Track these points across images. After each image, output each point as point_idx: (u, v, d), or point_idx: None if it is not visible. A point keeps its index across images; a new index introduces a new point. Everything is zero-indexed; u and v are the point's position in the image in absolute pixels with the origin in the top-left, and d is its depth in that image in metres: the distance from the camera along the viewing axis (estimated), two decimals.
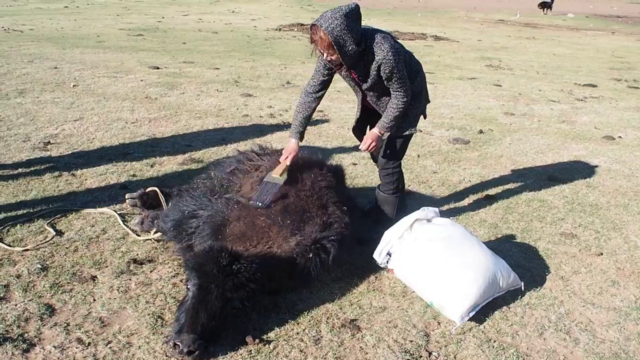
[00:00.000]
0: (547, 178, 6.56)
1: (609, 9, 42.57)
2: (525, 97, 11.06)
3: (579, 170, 6.92)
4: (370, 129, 4.77)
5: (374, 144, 4.46)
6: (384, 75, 4.19)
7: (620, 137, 8.51)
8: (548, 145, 7.90)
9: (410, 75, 4.38)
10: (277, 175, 4.28)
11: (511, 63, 15.26)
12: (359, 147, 4.59)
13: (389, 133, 4.53)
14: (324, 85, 4.51)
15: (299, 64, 13.45)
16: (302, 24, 22.59)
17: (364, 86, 4.42)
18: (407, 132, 4.65)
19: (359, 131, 4.98)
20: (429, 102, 4.85)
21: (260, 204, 4.07)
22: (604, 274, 4.59)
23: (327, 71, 4.42)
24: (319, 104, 4.58)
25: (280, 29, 20.85)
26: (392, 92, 4.34)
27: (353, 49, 3.99)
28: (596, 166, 7.13)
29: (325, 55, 4.11)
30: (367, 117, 4.84)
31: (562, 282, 4.39)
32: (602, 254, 4.91)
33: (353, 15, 3.96)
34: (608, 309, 4.10)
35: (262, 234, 3.78)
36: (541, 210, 5.69)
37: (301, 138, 4.58)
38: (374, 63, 4.14)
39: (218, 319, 3.22)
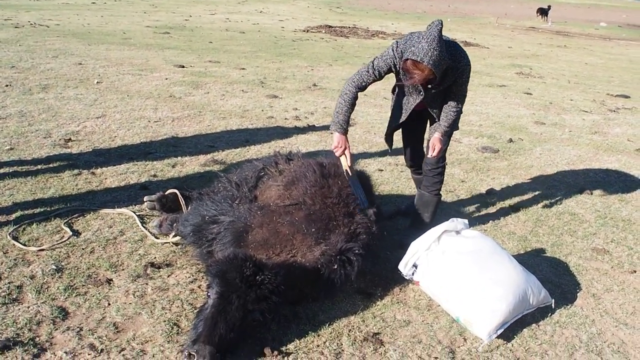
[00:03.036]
0: (579, 191, 6.35)
1: None
2: (556, 106, 10.81)
3: (612, 184, 6.69)
4: (407, 136, 5.01)
5: (440, 147, 4.55)
6: (459, 80, 4.29)
7: None
8: (579, 157, 7.68)
9: None
10: (345, 168, 4.34)
11: (542, 71, 14.98)
12: (429, 154, 4.60)
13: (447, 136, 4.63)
14: (375, 81, 4.44)
15: (326, 66, 13.31)
16: (330, 26, 22.49)
17: (433, 90, 4.36)
18: (454, 130, 4.74)
19: (390, 137, 4.91)
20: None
21: (365, 204, 4.19)
22: (637, 292, 4.40)
23: (387, 73, 4.37)
24: None
25: (307, 31, 20.73)
26: (452, 97, 4.43)
27: (446, 64, 4.01)
28: (629, 180, 6.89)
29: (420, 81, 4.07)
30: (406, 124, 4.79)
31: (594, 300, 4.21)
32: (635, 271, 4.71)
33: (441, 36, 3.90)
34: None
35: (286, 242, 3.64)
36: (572, 224, 5.49)
37: (346, 133, 4.40)
38: (454, 70, 4.18)
39: (237, 331, 3.08)
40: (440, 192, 4.91)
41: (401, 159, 6.72)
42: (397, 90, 4.70)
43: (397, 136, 4.95)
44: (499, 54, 18.04)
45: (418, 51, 3.83)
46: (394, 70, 4.30)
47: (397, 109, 4.71)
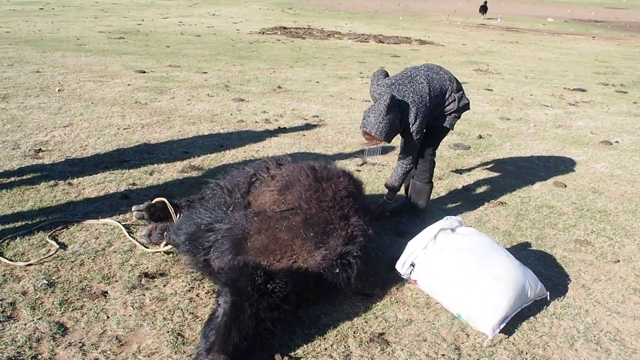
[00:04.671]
0: (553, 184, 6.48)
1: (586, 13, 42.95)
2: (517, 101, 11.02)
3: (583, 176, 6.86)
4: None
5: (379, 216, 5.12)
6: (406, 137, 4.79)
7: (617, 142, 8.48)
8: (548, 151, 7.84)
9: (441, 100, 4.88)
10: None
11: (498, 67, 15.24)
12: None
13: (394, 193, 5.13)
14: None
15: (287, 67, 13.27)
16: (285, 27, 22.47)
17: None
18: (446, 124, 5.03)
19: None
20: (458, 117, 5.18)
21: (373, 160, 5.16)
22: (623, 281, 4.51)
23: None
24: None
25: (263, 33, 20.65)
26: (399, 158, 4.95)
27: (398, 131, 4.63)
28: (599, 171, 7.07)
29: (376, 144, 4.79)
30: None
31: (584, 291, 4.31)
32: (618, 261, 4.83)
33: (391, 107, 4.42)
34: (634, 317, 4.02)
35: (286, 248, 3.61)
36: (552, 216, 5.60)
37: None
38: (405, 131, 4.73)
39: (249, 340, 3.05)
40: (432, 181, 5.21)
41: (377, 158, 6.80)
42: None
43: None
44: (454, 51, 18.28)
45: (367, 124, 4.46)
46: None
47: None
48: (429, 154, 5.07)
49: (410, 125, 4.62)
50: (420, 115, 4.61)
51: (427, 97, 4.65)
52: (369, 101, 10.28)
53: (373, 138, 4.52)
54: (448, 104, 4.87)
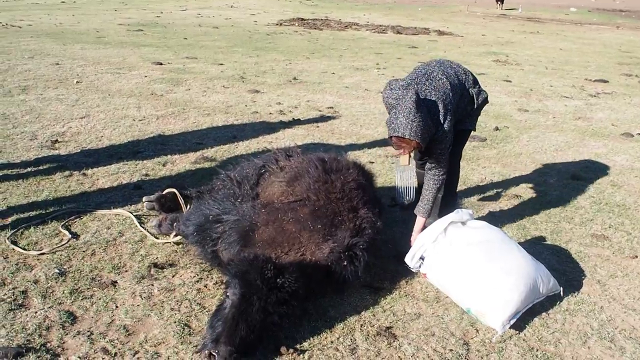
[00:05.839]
0: (570, 177, 6.38)
1: (611, 3, 42.31)
2: (536, 93, 10.88)
3: (602, 169, 6.74)
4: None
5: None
6: (435, 141, 4.14)
7: (639, 134, 8.33)
8: (567, 143, 7.72)
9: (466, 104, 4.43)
10: (405, 163, 4.30)
11: (518, 58, 15.09)
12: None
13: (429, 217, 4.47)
14: None
15: (303, 59, 13.24)
16: (302, 19, 22.47)
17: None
18: (469, 127, 4.65)
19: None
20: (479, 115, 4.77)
21: (408, 199, 4.86)
22: None
23: None
24: None
25: (281, 24, 20.65)
26: (429, 169, 4.33)
27: (431, 131, 3.97)
28: (618, 164, 6.94)
29: (413, 151, 4.16)
30: None
31: (600, 287, 4.23)
32: (636, 256, 4.73)
33: (418, 103, 3.85)
34: None
35: (293, 240, 3.59)
36: (568, 210, 5.52)
37: None
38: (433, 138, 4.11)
39: (256, 333, 3.04)
40: (456, 192, 5.25)
41: (391, 149, 6.74)
42: None
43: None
44: (473, 42, 18.13)
45: (397, 126, 3.82)
46: None
47: None
48: (455, 164, 4.84)
49: (442, 124, 4.07)
50: (450, 112, 4.11)
51: (451, 94, 4.15)
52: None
53: (408, 143, 3.89)
54: (469, 101, 4.45)
